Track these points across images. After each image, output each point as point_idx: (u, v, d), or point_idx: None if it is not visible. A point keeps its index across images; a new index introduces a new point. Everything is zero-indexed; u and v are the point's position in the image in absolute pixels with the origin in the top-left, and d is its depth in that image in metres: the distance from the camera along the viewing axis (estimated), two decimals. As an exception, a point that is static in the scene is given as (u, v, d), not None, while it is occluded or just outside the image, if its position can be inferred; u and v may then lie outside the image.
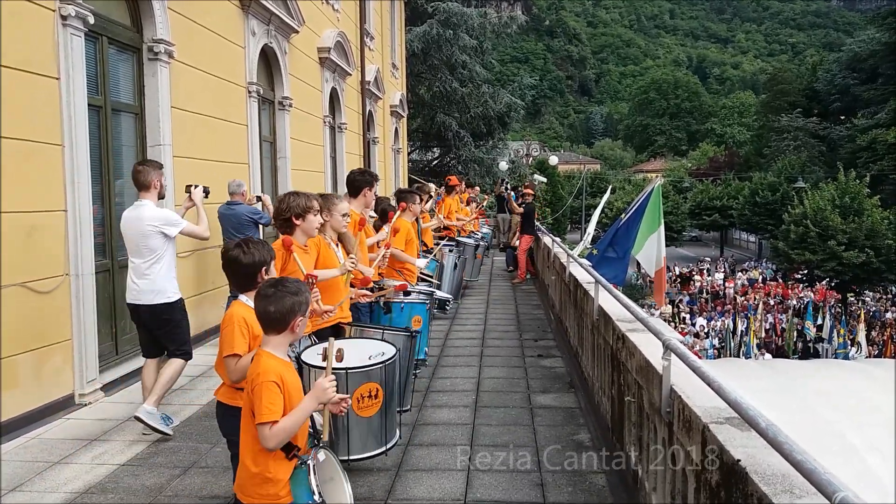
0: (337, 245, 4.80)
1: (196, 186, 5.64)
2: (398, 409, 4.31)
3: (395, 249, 6.59)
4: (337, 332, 4.75)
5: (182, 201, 5.86)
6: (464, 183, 15.18)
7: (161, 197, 5.26)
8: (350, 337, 4.65)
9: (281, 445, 2.57)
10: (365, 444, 3.82)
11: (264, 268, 3.27)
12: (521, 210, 13.70)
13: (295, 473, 2.63)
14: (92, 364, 5.91)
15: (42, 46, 5.47)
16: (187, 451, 4.84)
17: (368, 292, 5.06)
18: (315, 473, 2.62)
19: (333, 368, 3.37)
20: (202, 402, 5.90)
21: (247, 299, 3.20)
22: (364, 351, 4.05)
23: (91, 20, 5.91)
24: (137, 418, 5.00)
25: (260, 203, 8.04)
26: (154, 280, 5.03)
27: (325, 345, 2.99)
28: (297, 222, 4.21)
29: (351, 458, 3.78)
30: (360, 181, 5.69)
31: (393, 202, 7.60)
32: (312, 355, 3.83)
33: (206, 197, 5.70)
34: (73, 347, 5.73)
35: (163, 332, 5.19)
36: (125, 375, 6.43)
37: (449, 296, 7.38)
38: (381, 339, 4.35)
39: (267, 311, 2.67)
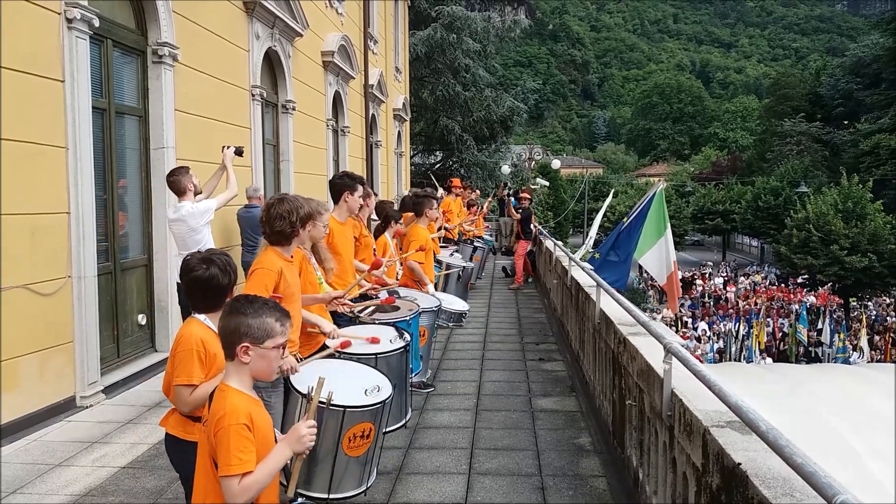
0: (311, 255, 4.46)
1: (229, 147, 6.35)
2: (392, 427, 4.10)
3: (413, 263, 6.46)
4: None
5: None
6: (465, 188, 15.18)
7: (197, 193, 5.97)
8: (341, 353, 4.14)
9: (251, 501, 2.23)
10: (345, 483, 3.50)
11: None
12: (519, 216, 13.74)
13: None
14: (93, 366, 5.92)
15: (47, 49, 5.49)
16: (188, 453, 4.84)
17: (350, 302, 4.72)
18: None
19: (330, 405, 3.16)
20: (204, 404, 5.90)
21: (205, 319, 2.89)
22: (357, 381, 3.66)
23: (96, 23, 5.93)
24: None
25: None
26: None
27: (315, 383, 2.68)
28: (303, 230, 3.76)
29: (330, 496, 3.44)
30: (339, 185, 5.18)
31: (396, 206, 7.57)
32: (299, 379, 3.47)
33: (241, 156, 6.48)
34: (74, 350, 5.74)
35: None
36: (127, 378, 6.44)
37: (463, 308, 6.97)
38: (374, 367, 3.95)
39: (248, 324, 2.30)
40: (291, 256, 3.82)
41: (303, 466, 3.09)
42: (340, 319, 4.71)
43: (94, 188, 5.99)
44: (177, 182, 5.84)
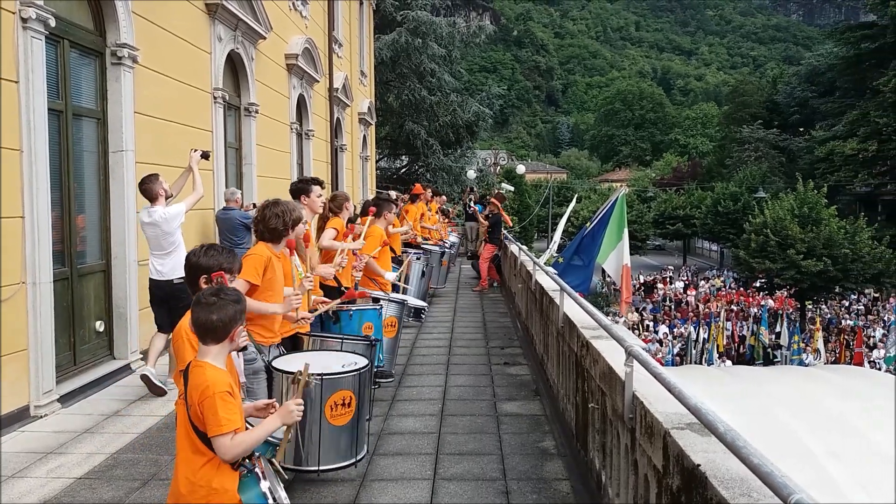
0: (291, 255, 4.75)
1: (196, 150, 6.78)
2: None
3: (369, 259, 6.60)
4: (294, 342, 4.73)
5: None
6: (429, 191, 15.20)
7: (168, 197, 6.32)
8: (309, 349, 4.70)
9: (239, 457, 2.51)
10: (335, 454, 3.81)
11: (204, 276, 3.10)
12: (486, 222, 13.81)
13: (242, 482, 2.56)
14: (49, 375, 5.76)
15: (1, 49, 5.34)
16: (147, 463, 4.74)
17: (328, 300, 5.09)
18: (265, 479, 2.57)
19: (310, 376, 3.39)
20: (162, 413, 5.79)
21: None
22: (334, 361, 4.06)
23: (52, 23, 5.79)
24: (144, 377, 6.10)
25: (255, 209, 8.29)
26: (175, 261, 6.07)
27: (299, 367, 2.96)
28: (292, 231, 4.21)
29: (321, 468, 3.74)
30: (294, 191, 5.51)
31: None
32: (283, 363, 3.84)
33: (207, 159, 7.05)
34: (28, 357, 5.57)
35: (176, 304, 5.83)
36: (83, 386, 6.28)
37: (424, 303, 7.44)
38: (341, 350, 4.42)
39: (209, 319, 2.55)
40: (279, 254, 4.24)
41: (290, 445, 3.48)
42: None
43: (49, 192, 5.84)
44: (149, 189, 6.22)
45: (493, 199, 14.30)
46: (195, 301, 2.63)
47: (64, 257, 6.34)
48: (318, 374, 3.61)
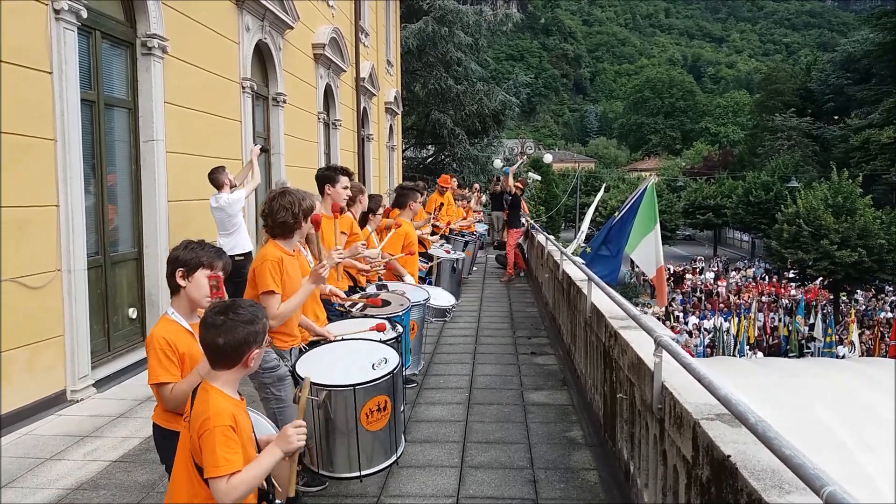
0: (305, 247, 4.51)
1: (256, 145, 8.19)
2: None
3: (392, 260, 6.37)
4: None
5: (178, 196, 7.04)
6: (455, 181, 14.93)
7: (232, 187, 7.23)
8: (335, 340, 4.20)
9: (240, 500, 2.20)
10: (376, 456, 3.55)
11: (181, 270, 2.89)
12: (510, 197, 13.33)
13: None
14: (84, 360, 5.89)
15: (35, 40, 5.44)
16: (179, 447, 4.82)
17: (342, 293, 4.77)
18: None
19: (338, 386, 3.27)
20: (195, 398, 5.88)
21: (173, 312, 2.90)
22: (364, 356, 3.71)
23: (84, 14, 5.88)
24: None
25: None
26: (236, 239, 7.12)
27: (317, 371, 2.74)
28: (305, 223, 3.79)
29: (363, 473, 3.43)
30: (320, 178, 5.16)
31: (386, 201, 7.57)
32: (306, 365, 3.52)
33: (265, 153, 8.68)
34: (64, 343, 5.71)
35: (235, 278, 5.90)
36: (117, 372, 6.42)
37: (448, 304, 6.82)
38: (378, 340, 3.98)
39: (215, 343, 2.26)
40: (294, 250, 3.80)
41: (326, 452, 3.29)
42: (331, 315, 4.70)
43: (83, 181, 5.95)
44: (216, 179, 7.18)
45: (516, 183, 13.96)
46: (202, 320, 2.36)
47: (98, 245, 6.46)
48: (352, 385, 3.32)
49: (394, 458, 3.65)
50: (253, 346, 2.30)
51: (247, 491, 2.20)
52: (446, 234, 11.21)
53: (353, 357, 3.66)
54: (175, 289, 2.89)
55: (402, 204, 7.04)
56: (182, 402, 2.61)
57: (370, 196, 6.60)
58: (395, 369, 3.53)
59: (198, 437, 2.18)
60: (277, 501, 2.43)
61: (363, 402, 3.37)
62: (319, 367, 3.45)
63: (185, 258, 2.88)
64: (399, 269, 6.55)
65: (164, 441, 2.80)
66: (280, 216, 3.63)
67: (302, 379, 3.18)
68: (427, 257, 8.17)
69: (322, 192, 5.09)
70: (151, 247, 7.18)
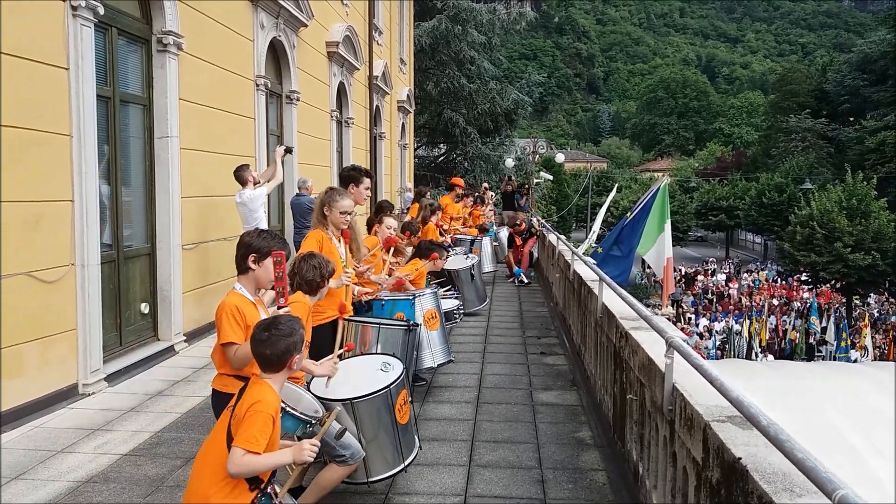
0: (340, 241, 4.77)
1: (281, 145, 8.62)
2: None
3: (402, 276, 6.31)
4: (333, 326, 4.67)
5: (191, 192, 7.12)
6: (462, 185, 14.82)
7: (256, 184, 7.74)
8: (348, 335, 4.68)
9: (242, 476, 2.57)
10: (408, 447, 3.94)
11: (253, 255, 3.26)
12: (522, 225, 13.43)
13: None
14: (96, 354, 5.94)
15: (52, 36, 5.48)
16: (189, 442, 4.86)
17: (367, 291, 5.18)
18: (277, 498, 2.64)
19: (379, 391, 3.70)
20: (205, 393, 5.90)
21: (240, 287, 3.27)
22: (370, 366, 4.08)
23: (101, 11, 5.92)
24: None
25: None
26: None
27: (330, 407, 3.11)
28: (328, 283, 4.00)
29: (405, 464, 3.90)
30: (344, 177, 5.58)
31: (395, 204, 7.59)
32: (321, 388, 3.71)
33: (291, 153, 8.91)
34: (77, 337, 5.75)
35: None
36: (129, 366, 6.46)
37: (453, 306, 7.49)
38: (377, 345, 4.64)
39: (263, 354, 2.72)
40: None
41: (376, 454, 3.74)
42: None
43: (97, 176, 5.99)
44: (240, 176, 7.74)
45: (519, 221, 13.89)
46: (252, 336, 2.79)
47: (111, 240, 6.50)
48: (386, 387, 3.75)
49: (418, 446, 4.11)
50: (294, 353, 2.74)
51: (251, 472, 2.56)
52: (452, 241, 11.14)
53: (357, 372, 3.99)
54: (244, 270, 3.29)
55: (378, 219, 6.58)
56: (244, 363, 3.04)
57: (428, 205, 6.67)
58: (405, 366, 4.00)
59: (244, 413, 2.55)
60: (280, 496, 2.77)
61: (397, 395, 3.82)
62: (344, 389, 3.72)
63: (259, 245, 3.27)
64: (408, 286, 6.52)
65: (221, 403, 3.08)
66: (308, 275, 3.89)
67: (327, 404, 3.47)
68: (439, 275, 7.95)
69: (346, 189, 5.36)
70: (164, 242, 7.23)
